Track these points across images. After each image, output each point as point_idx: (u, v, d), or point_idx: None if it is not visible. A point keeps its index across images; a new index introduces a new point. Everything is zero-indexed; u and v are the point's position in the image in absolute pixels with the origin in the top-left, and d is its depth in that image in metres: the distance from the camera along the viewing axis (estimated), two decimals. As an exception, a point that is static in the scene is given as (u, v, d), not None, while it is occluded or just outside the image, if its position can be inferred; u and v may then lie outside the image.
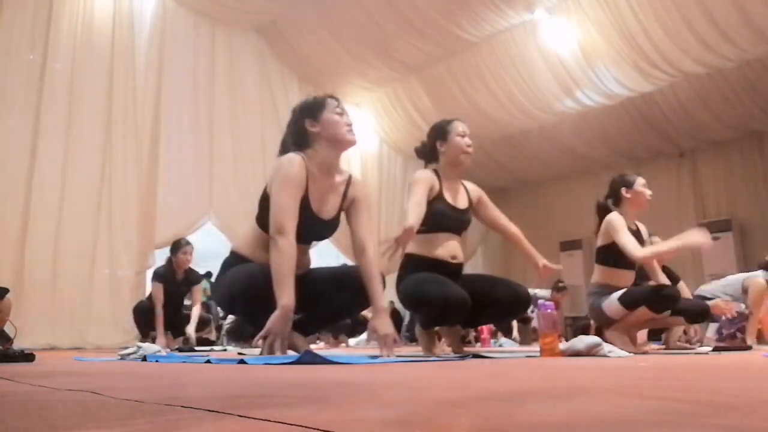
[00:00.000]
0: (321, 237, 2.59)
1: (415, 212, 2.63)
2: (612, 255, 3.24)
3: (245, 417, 0.66)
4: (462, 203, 2.94)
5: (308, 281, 2.37)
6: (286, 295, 2.10)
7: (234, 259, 2.47)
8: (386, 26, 7.48)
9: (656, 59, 6.65)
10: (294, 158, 2.33)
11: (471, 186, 3.07)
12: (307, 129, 2.43)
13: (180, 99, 7.49)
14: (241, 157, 7.91)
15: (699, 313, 3.38)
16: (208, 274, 5.85)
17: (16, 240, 5.88)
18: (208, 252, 8.37)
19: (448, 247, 2.83)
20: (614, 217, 3.24)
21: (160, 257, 7.02)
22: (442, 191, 2.85)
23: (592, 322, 4.06)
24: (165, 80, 7.33)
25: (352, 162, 9.39)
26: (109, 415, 0.70)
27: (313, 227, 2.39)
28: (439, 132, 2.97)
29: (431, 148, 2.98)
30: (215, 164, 7.68)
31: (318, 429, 0.56)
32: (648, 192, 3.39)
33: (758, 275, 4.27)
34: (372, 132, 9.73)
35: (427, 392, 0.99)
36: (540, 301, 2.62)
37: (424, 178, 2.81)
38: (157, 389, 1.10)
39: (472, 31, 7.38)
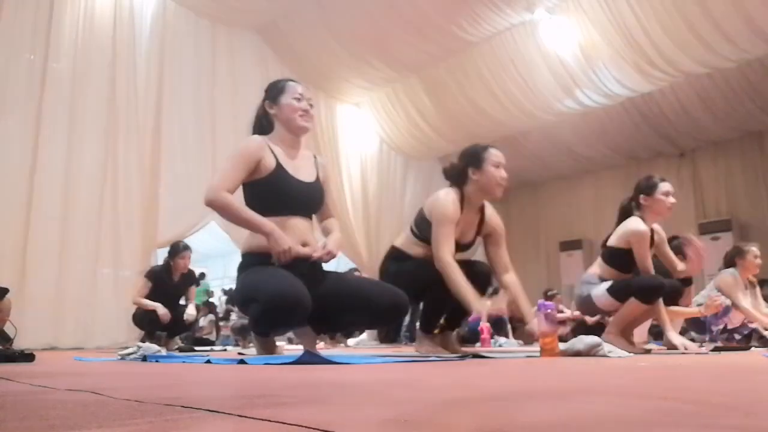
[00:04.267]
0: (312, 202, 2.59)
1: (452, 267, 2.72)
2: (626, 263, 3.17)
3: (245, 417, 0.66)
4: (468, 238, 2.94)
5: (340, 291, 2.45)
6: (263, 223, 2.28)
7: (247, 261, 2.48)
8: (386, 26, 7.48)
9: (656, 59, 6.65)
10: (252, 138, 2.54)
11: (493, 216, 2.99)
12: (267, 111, 2.63)
13: (181, 99, 7.49)
14: (242, 157, 7.91)
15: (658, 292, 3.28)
16: (202, 276, 5.85)
17: (18, 240, 5.87)
18: (209, 252, 8.37)
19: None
20: (640, 233, 3.12)
21: (163, 257, 7.03)
22: (459, 222, 2.83)
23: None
24: (166, 80, 7.32)
25: (351, 162, 9.40)
26: (109, 415, 0.70)
27: (298, 190, 2.48)
28: (473, 158, 2.85)
29: (461, 173, 2.86)
30: (217, 164, 7.67)
31: (318, 429, 0.56)
32: (670, 200, 3.28)
33: (727, 272, 4.36)
34: (372, 132, 9.73)
35: (427, 392, 0.99)
36: (540, 301, 2.60)
37: (451, 212, 2.79)
38: (157, 389, 1.10)
39: (471, 31, 7.38)
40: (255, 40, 8.42)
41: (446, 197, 2.79)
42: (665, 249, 3.44)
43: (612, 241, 3.24)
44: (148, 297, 4.88)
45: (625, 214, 3.33)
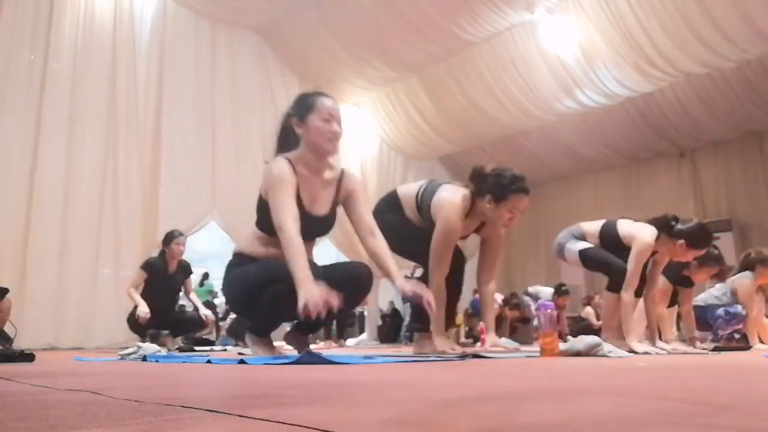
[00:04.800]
0: (317, 234, 2.56)
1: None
2: (616, 250, 3.29)
3: (245, 417, 0.66)
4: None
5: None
6: (303, 276, 2.05)
7: (237, 260, 2.47)
8: (386, 26, 7.48)
9: (656, 59, 6.65)
10: (280, 162, 2.35)
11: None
12: (294, 129, 2.46)
13: (181, 99, 7.50)
14: (242, 157, 7.92)
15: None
16: (206, 275, 5.84)
17: (18, 240, 5.87)
18: (209, 252, 8.38)
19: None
20: (645, 244, 3.21)
21: (162, 256, 7.02)
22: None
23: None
24: (166, 80, 7.33)
25: (351, 162, 9.39)
26: (109, 415, 0.70)
27: (307, 224, 2.35)
28: (500, 191, 2.76)
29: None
30: (217, 164, 7.68)
31: (318, 429, 0.56)
32: None
33: (746, 275, 4.28)
34: (372, 132, 9.73)
35: (427, 392, 0.99)
36: (540, 301, 2.61)
37: (459, 219, 2.82)
38: (157, 389, 1.10)
39: (471, 31, 7.38)
40: (255, 40, 8.42)
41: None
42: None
43: (621, 231, 3.30)
44: (144, 290, 4.80)
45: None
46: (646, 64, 6.76)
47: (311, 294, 1.99)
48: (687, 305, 3.99)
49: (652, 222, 3.28)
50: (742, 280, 4.25)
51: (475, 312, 5.84)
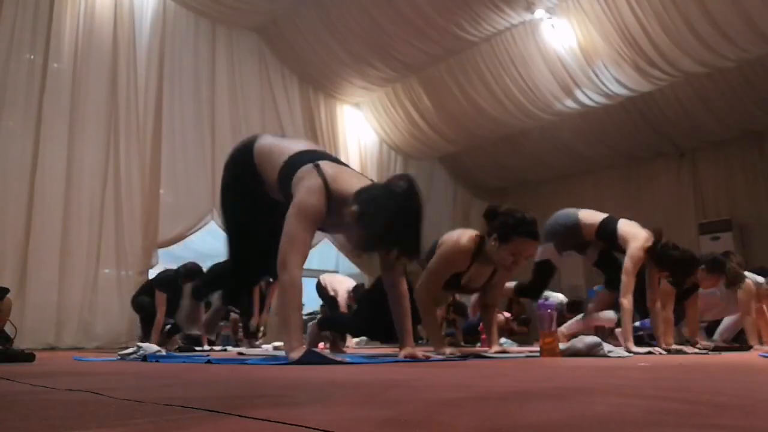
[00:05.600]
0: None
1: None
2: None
3: (245, 417, 0.66)
4: (478, 282, 2.97)
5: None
6: (295, 340, 2.00)
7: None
8: (386, 26, 7.48)
9: (656, 59, 6.64)
10: (314, 185, 2.13)
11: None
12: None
13: (181, 99, 7.50)
14: (242, 157, 7.92)
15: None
16: None
17: (19, 240, 5.87)
18: (209, 252, 8.37)
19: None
20: (640, 250, 3.29)
21: (163, 256, 7.03)
22: (469, 269, 2.85)
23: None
24: (166, 80, 7.33)
25: (351, 162, 9.39)
26: (109, 415, 0.70)
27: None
28: (504, 232, 2.72)
29: (489, 231, 2.78)
30: (217, 164, 7.67)
31: (318, 429, 0.56)
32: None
33: (746, 275, 4.28)
34: (372, 132, 9.73)
35: (427, 392, 0.99)
36: (540, 301, 2.61)
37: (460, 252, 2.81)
38: (157, 389, 1.10)
39: (471, 31, 7.38)
40: (255, 40, 8.42)
41: (460, 236, 2.83)
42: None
43: (619, 231, 3.36)
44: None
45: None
46: (646, 64, 6.76)
47: (294, 357, 1.95)
48: (693, 310, 4.00)
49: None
50: (745, 281, 4.23)
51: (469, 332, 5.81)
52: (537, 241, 2.75)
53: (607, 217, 3.51)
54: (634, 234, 3.32)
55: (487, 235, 2.79)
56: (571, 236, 3.65)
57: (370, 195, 2.07)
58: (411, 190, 2.06)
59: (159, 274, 5.48)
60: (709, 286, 4.01)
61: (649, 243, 3.25)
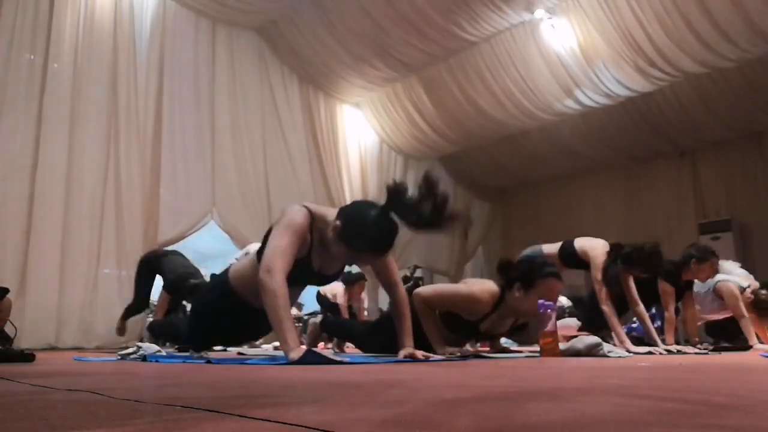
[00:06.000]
0: (321, 284, 2.81)
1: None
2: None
3: (245, 417, 0.66)
4: (497, 330, 2.94)
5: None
6: (291, 340, 2.00)
7: (224, 289, 2.50)
8: (386, 26, 7.48)
9: (656, 59, 6.64)
10: (298, 210, 2.23)
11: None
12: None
13: (181, 98, 7.50)
14: (242, 157, 7.93)
15: None
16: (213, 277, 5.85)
17: (20, 240, 5.87)
18: (209, 252, 8.37)
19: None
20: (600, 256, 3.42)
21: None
22: (485, 319, 2.80)
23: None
24: (166, 80, 7.33)
25: (351, 162, 9.39)
26: (109, 415, 0.70)
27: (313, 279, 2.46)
28: (528, 278, 2.68)
29: (508, 283, 2.74)
30: (217, 164, 7.69)
31: (318, 429, 0.56)
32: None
33: (728, 278, 4.27)
34: (372, 132, 9.73)
35: (427, 392, 0.99)
36: (540, 301, 2.60)
37: (489, 297, 2.74)
38: (157, 389, 1.10)
39: (471, 31, 7.38)
40: (255, 40, 8.42)
41: (491, 288, 2.77)
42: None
43: (577, 248, 3.56)
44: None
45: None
46: (646, 64, 6.76)
47: (296, 357, 1.95)
48: (690, 309, 4.00)
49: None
50: (726, 284, 4.23)
51: None
52: (560, 278, 2.73)
53: (564, 242, 3.63)
54: (592, 245, 3.45)
55: (507, 288, 2.74)
56: None
57: (353, 208, 2.19)
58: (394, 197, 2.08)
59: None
60: (707, 277, 4.01)
61: (607, 248, 3.35)
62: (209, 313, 2.57)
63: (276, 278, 2.05)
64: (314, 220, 2.21)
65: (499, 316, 2.80)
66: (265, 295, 2.05)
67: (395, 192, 2.07)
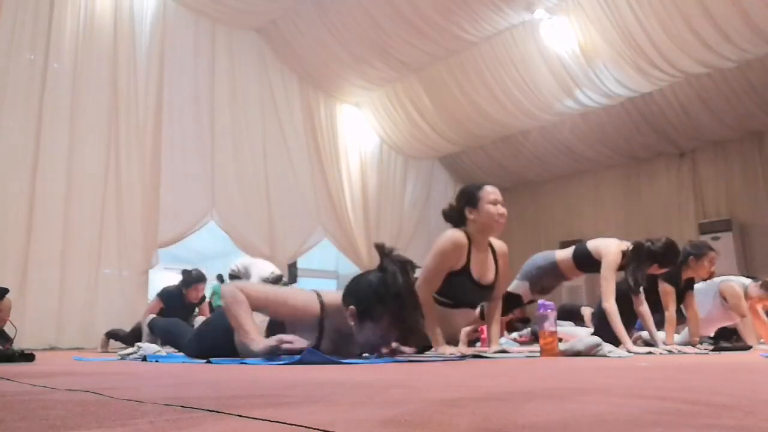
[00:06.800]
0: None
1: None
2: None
3: (245, 417, 0.66)
4: (489, 277, 2.93)
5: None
6: (253, 332, 2.09)
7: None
8: (386, 26, 7.48)
9: (656, 59, 6.64)
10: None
11: (499, 247, 3.01)
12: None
13: (181, 98, 7.50)
14: (242, 157, 7.94)
15: None
16: (220, 277, 5.78)
17: (20, 240, 5.87)
18: (209, 252, 8.37)
19: (467, 320, 3.07)
20: (614, 254, 3.43)
21: (164, 256, 7.03)
22: (470, 263, 2.83)
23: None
24: (166, 80, 7.34)
25: (351, 162, 9.40)
26: (109, 415, 0.70)
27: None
28: (469, 198, 2.88)
29: (459, 214, 2.91)
30: (217, 164, 7.69)
31: (318, 429, 0.56)
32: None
33: (731, 278, 4.28)
34: (372, 132, 9.73)
35: (427, 392, 0.99)
36: (540, 301, 2.61)
37: (453, 247, 2.80)
38: (157, 389, 1.10)
39: (471, 31, 7.38)
40: (255, 40, 8.43)
41: (452, 235, 2.83)
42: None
43: (590, 248, 3.53)
44: (160, 314, 4.84)
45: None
46: (646, 64, 6.76)
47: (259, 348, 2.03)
48: (691, 310, 4.00)
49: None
50: (729, 284, 4.23)
51: None
52: (491, 184, 2.96)
53: (576, 246, 3.64)
54: (606, 243, 3.44)
55: (459, 224, 2.90)
56: (547, 277, 3.75)
57: (358, 287, 2.18)
58: (392, 274, 2.12)
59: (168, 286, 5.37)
60: (707, 273, 4.02)
61: (623, 247, 3.35)
62: (216, 338, 2.50)
63: (240, 295, 2.16)
64: (323, 307, 2.22)
65: (477, 251, 2.88)
66: (228, 301, 2.16)
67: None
